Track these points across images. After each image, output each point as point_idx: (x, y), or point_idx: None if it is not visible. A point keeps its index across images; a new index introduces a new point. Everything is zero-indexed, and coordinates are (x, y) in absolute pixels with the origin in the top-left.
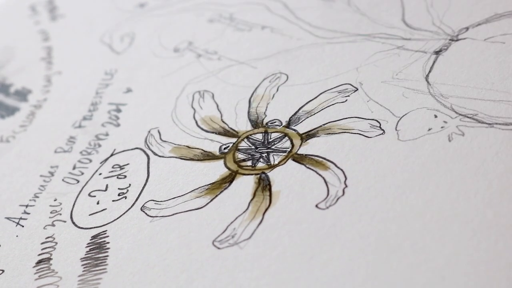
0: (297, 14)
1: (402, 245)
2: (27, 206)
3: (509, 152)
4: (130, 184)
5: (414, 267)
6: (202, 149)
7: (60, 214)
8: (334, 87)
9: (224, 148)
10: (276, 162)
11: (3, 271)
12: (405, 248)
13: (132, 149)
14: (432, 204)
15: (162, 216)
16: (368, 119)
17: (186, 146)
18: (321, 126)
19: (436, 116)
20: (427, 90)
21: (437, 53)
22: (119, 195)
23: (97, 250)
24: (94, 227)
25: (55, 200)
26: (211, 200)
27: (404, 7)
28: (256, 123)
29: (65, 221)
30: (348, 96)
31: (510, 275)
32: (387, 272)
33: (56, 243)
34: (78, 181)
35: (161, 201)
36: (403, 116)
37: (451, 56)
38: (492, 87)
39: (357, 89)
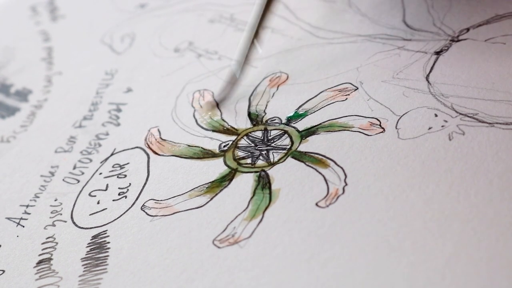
0: (298, 14)
1: (402, 244)
2: (27, 206)
3: (509, 152)
4: (130, 184)
5: (414, 266)
6: (202, 147)
7: (61, 214)
8: (335, 86)
9: (224, 146)
10: (276, 160)
11: (3, 271)
12: (405, 247)
13: (132, 148)
14: (432, 203)
15: (162, 216)
16: (368, 117)
17: (186, 144)
18: (321, 123)
19: (436, 115)
20: (427, 90)
21: (438, 53)
22: (119, 194)
23: (97, 250)
24: (95, 227)
25: (55, 200)
26: (211, 199)
27: (405, 8)
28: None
29: (65, 221)
30: (349, 94)
31: (510, 275)
32: (387, 271)
33: (57, 243)
34: (78, 181)
35: (161, 200)
36: (403, 114)
37: (452, 57)
38: (492, 87)
39: (358, 88)
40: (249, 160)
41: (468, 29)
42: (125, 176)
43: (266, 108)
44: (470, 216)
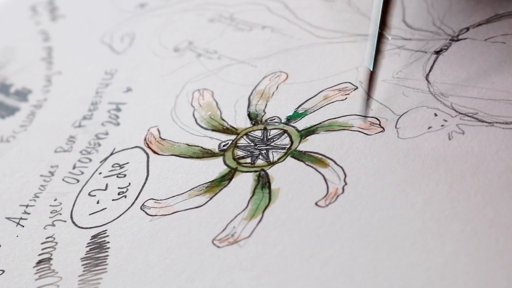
0: (298, 14)
1: (402, 243)
2: (27, 206)
3: (509, 151)
4: (129, 183)
5: (414, 265)
6: (201, 147)
7: (60, 214)
8: (334, 85)
9: (223, 145)
10: (275, 159)
11: (3, 271)
12: (405, 246)
13: (131, 148)
14: (432, 202)
15: (162, 215)
16: (368, 116)
17: (186, 143)
18: (320, 123)
19: (436, 115)
20: (427, 89)
21: (438, 53)
22: (119, 194)
23: (97, 250)
24: (94, 227)
25: (55, 200)
26: (211, 199)
27: (404, 7)
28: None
29: (65, 221)
30: (348, 94)
31: (510, 275)
32: (387, 270)
33: (56, 243)
34: (78, 181)
35: (161, 200)
36: (403, 114)
37: (452, 56)
38: (492, 87)
39: (357, 88)
40: (248, 160)
41: (467, 29)
42: (125, 175)
43: (265, 107)
44: (470, 215)
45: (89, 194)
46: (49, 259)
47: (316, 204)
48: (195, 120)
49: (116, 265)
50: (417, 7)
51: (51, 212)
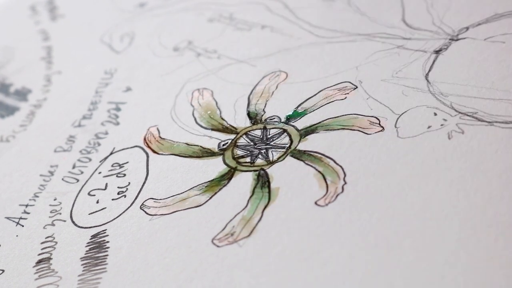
0: (297, 13)
1: (401, 243)
2: (27, 205)
3: (508, 151)
4: (129, 183)
5: (413, 265)
6: (201, 146)
7: (60, 214)
8: (334, 85)
9: (223, 145)
10: (275, 158)
11: (3, 271)
12: (405, 246)
13: (131, 147)
14: (431, 202)
15: (162, 215)
16: (368, 116)
17: (185, 143)
18: (320, 122)
19: (435, 114)
20: (427, 89)
21: (437, 52)
22: (118, 193)
23: (97, 250)
24: (94, 226)
25: (55, 200)
26: (210, 198)
27: (404, 7)
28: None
29: (65, 221)
30: (348, 93)
31: (510, 274)
32: (386, 270)
33: (56, 242)
34: (77, 180)
35: (161, 199)
36: (402, 113)
37: (451, 56)
38: (492, 86)
39: (357, 87)
40: (248, 159)
41: (467, 28)
42: (124, 175)
43: (265, 106)
44: (469, 215)
45: (88, 194)
46: (49, 258)
47: (315, 203)
48: (195, 119)
49: (116, 264)
50: (417, 7)
51: (50, 212)
